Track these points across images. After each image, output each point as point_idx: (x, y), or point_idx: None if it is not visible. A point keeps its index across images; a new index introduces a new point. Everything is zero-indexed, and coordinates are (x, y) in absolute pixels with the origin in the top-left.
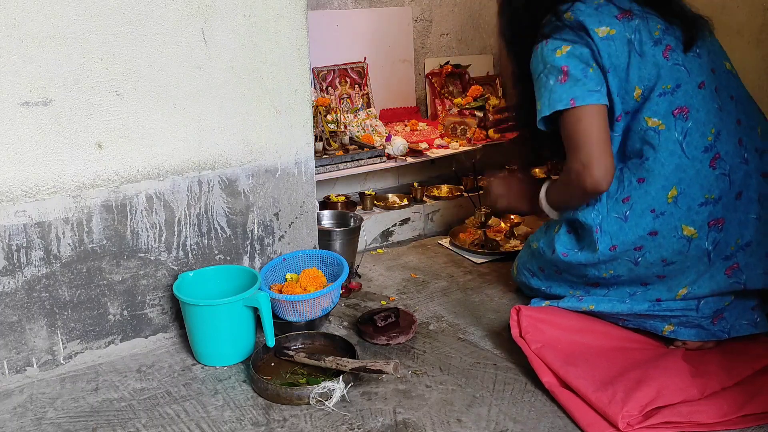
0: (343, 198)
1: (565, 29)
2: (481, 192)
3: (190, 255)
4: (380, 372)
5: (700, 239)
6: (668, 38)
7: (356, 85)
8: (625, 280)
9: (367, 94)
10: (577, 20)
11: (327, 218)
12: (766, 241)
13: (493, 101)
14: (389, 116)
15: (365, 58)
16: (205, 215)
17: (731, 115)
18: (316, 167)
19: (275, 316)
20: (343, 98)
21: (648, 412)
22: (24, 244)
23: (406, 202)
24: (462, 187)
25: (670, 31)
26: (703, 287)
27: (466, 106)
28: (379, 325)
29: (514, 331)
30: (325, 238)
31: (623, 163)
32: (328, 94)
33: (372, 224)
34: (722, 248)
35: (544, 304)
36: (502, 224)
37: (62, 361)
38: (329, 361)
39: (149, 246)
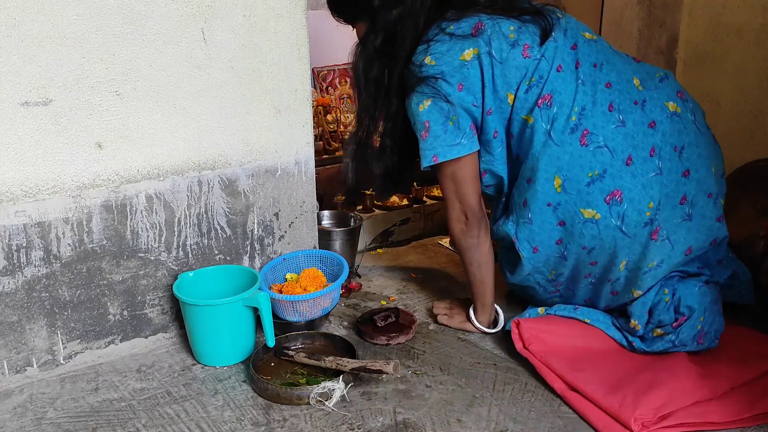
0: (343, 198)
1: (428, 79)
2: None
3: (190, 255)
4: (380, 372)
5: (605, 218)
6: (524, 37)
7: None
8: (580, 289)
9: None
10: (437, 69)
11: (327, 218)
12: (673, 191)
13: None
14: None
15: None
16: (205, 215)
17: (597, 83)
18: (316, 167)
19: (275, 316)
20: (343, 98)
21: (662, 414)
22: (24, 244)
23: (406, 202)
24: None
25: (524, 29)
26: (641, 262)
27: None
28: (379, 325)
29: (518, 345)
30: (325, 238)
31: (517, 168)
32: (328, 94)
33: (372, 224)
34: (633, 218)
35: (539, 311)
36: None
37: (62, 361)
38: (329, 361)
39: (149, 246)
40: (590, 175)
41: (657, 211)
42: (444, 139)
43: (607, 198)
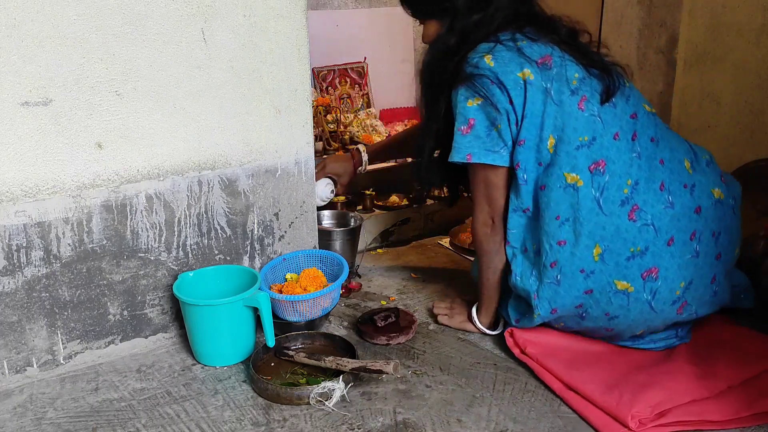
0: (343, 198)
1: (482, 78)
2: None
3: (190, 255)
4: (380, 372)
5: (638, 292)
6: (585, 88)
7: (356, 85)
8: (578, 330)
9: (367, 94)
10: (494, 72)
11: (327, 218)
12: (707, 273)
13: None
14: (389, 116)
15: (365, 58)
16: (205, 215)
17: (652, 158)
18: (316, 167)
19: (275, 316)
20: (343, 98)
21: (659, 412)
22: (24, 244)
23: (406, 202)
24: (462, 187)
25: (588, 82)
26: (658, 328)
27: None
28: (379, 325)
29: (516, 351)
30: (325, 238)
31: (537, 221)
32: (328, 94)
33: (372, 224)
34: (664, 295)
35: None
36: None
37: (62, 361)
38: (329, 361)
39: (149, 246)
40: (632, 250)
41: (687, 290)
42: (484, 142)
43: (644, 274)
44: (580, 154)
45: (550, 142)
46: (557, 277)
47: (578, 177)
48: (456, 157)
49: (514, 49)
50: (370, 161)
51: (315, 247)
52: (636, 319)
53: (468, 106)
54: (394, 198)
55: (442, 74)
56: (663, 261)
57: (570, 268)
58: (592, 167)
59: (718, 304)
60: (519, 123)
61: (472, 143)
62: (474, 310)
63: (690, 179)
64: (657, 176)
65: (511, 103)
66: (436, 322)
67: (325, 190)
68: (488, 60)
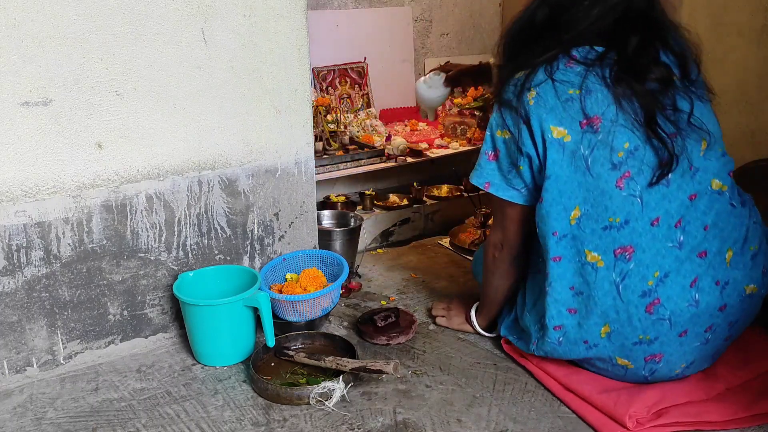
0: (343, 198)
1: (515, 114)
2: (481, 192)
3: (190, 255)
4: (380, 372)
5: (637, 369)
6: (632, 163)
7: (356, 85)
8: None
9: (367, 94)
10: (528, 115)
11: (327, 218)
12: (710, 355)
13: None
14: (389, 116)
15: (365, 58)
16: (205, 215)
17: (695, 250)
18: (316, 167)
19: (275, 316)
20: (343, 98)
21: (657, 411)
22: (24, 244)
23: (406, 202)
24: (462, 187)
25: (638, 154)
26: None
27: (466, 106)
28: (379, 325)
29: (515, 355)
30: (325, 238)
31: (545, 286)
32: (328, 94)
33: (372, 224)
34: (663, 374)
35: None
36: None
37: (62, 361)
38: (329, 361)
39: (149, 246)
40: (641, 337)
41: (687, 368)
42: (504, 178)
43: (648, 358)
44: (607, 236)
45: (574, 213)
46: (559, 339)
47: (599, 257)
48: (475, 180)
49: (563, 98)
50: (458, 82)
51: (315, 247)
52: (631, 381)
53: (497, 135)
54: (394, 198)
55: (521, 49)
56: (670, 348)
57: (574, 337)
58: (617, 251)
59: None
60: (542, 172)
61: (494, 173)
62: (473, 310)
63: (726, 275)
64: (692, 271)
65: (537, 152)
66: (435, 323)
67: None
68: (530, 97)
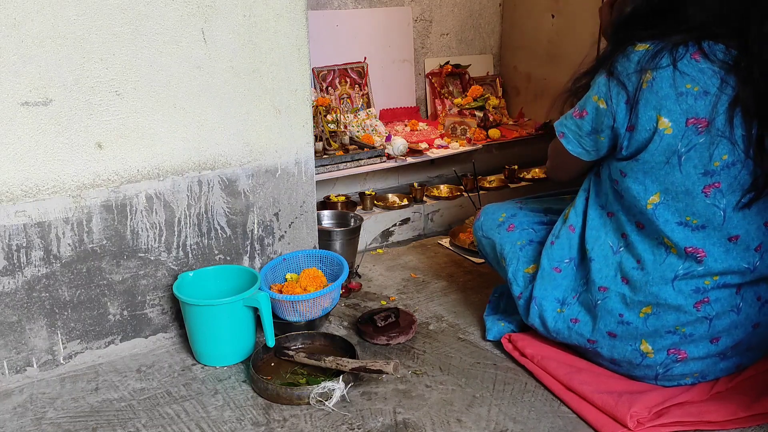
0: (343, 198)
1: (621, 87)
2: (481, 192)
3: (190, 255)
4: (380, 372)
5: (655, 360)
6: (725, 176)
7: (356, 85)
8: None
9: (367, 94)
10: (635, 94)
11: (327, 218)
12: (727, 368)
13: (493, 101)
14: (389, 116)
15: (365, 58)
16: (205, 215)
17: (755, 273)
18: (316, 167)
19: (275, 316)
20: (343, 98)
21: (657, 411)
22: (24, 244)
23: (406, 202)
24: (462, 187)
25: (734, 170)
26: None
27: (466, 106)
28: (379, 325)
29: (515, 354)
30: (325, 238)
31: (627, 247)
32: (328, 94)
33: (372, 224)
34: (674, 374)
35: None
36: None
37: (62, 361)
38: (329, 361)
39: (149, 246)
40: (677, 328)
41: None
42: (580, 137)
43: (671, 351)
44: (680, 231)
45: (653, 198)
46: (598, 302)
47: (671, 243)
48: (556, 124)
49: (681, 88)
50: None
51: (315, 247)
52: (635, 376)
53: (593, 99)
54: (394, 198)
55: (627, 31)
56: (695, 352)
57: (612, 306)
58: (689, 249)
59: None
60: (624, 151)
61: (572, 129)
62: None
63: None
64: (751, 288)
65: (629, 133)
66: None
67: None
68: (645, 79)
